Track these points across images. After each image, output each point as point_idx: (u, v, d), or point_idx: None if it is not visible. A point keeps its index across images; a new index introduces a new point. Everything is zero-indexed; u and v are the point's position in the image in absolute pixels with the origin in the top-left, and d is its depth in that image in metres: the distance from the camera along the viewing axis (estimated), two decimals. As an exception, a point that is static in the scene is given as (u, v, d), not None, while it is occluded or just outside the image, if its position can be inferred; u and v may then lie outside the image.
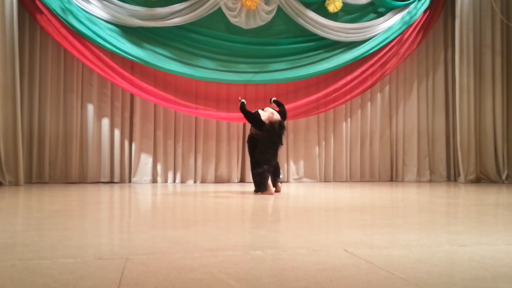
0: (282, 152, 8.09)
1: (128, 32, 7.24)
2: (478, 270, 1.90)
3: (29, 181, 6.97)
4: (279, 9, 7.76)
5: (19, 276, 1.77)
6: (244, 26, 7.66)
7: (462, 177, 8.17)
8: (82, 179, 7.27)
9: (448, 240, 2.58)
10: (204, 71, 7.55)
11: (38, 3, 6.77)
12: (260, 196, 5.28)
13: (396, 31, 8.21)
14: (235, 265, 1.95)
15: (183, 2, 7.35)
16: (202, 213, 4.02)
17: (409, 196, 5.75)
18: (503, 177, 8.23)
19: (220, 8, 7.47)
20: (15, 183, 6.53)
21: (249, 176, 7.85)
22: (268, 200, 4.89)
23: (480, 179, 8.31)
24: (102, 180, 7.33)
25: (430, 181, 8.66)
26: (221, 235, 2.68)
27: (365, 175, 8.58)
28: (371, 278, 1.77)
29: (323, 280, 1.74)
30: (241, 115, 6.40)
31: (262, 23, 7.72)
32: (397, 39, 8.26)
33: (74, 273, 1.81)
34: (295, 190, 6.46)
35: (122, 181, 7.46)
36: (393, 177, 8.73)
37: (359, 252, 2.22)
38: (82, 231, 2.81)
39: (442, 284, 1.69)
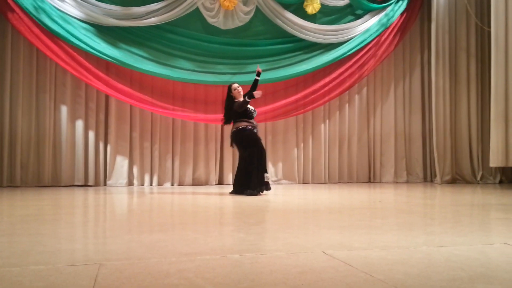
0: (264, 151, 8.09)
1: (103, 31, 7.12)
2: (455, 271, 1.90)
3: (0, 185, 6.77)
4: (258, 10, 7.75)
5: (-15, 285, 1.68)
6: (222, 27, 7.63)
7: (438, 178, 8.29)
8: (56, 183, 7.10)
9: (426, 241, 2.58)
10: (181, 72, 7.47)
11: (9, 1, 6.60)
12: (238, 198, 5.24)
13: (373, 33, 8.29)
14: (212, 270, 1.90)
15: (160, 2, 7.28)
16: (179, 217, 3.95)
17: (386, 197, 5.79)
18: (478, 177, 8.39)
19: (197, 8, 7.42)
20: (-14, 187, 6.34)
21: (227, 178, 7.82)
22: (247, 202, 4.85)
23: (456, 180, 8.45)
24: (76, 183, 7.18)
25: (407, 182, 8.76)
26: (199, 238, 2.63)
27: (344, 177, 8.62)
28: (350, 280, 1.75)
29: (302, 283, 1.71)
30: (218, 117, 6.36)
31: (240, 24, 7.70)
32: (375, 41, 8.34)
33: (46, 280, 1.73)
34: (274, 192, 6.43)
35: (97, 184, 7.32)
36: (371, 178, 8.81)
37: (337, 254, 2.20)
38: (55, 236, 2.73)
39: (420, 285, 1.68)
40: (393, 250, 2.31)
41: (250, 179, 5.61)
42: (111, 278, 1.78)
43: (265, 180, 5.70)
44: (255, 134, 5.81)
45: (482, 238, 2.72)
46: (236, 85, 5.99)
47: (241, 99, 5.86)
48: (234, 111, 5.81)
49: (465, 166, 8.45)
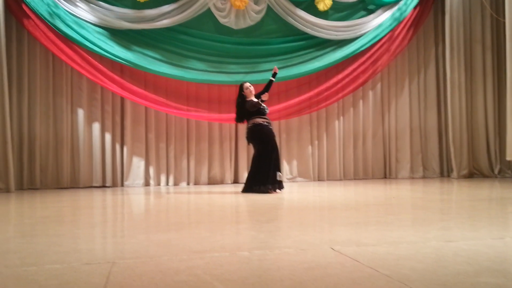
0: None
1: (117, 34, 7.22)
2: (461, 265, 1.91)
3: (20, 187, 6.93)
4: (269, 8, 7.76)
5: (3, 283, 1.76)
6: (234, 27, 7.66)
7: (455, 172, 8.20)
8: (74, 184, 7.24)
9: (436, 236, 2.59)
10: (195, 73, 7.54)
11: (25, 7, 6.73)
12: (252, 197, 5.28)
13: (386, 28, 8.23)
14: (220, 267, 1.95)
15: (172, 4, 7.34)
16: (193, 215, 4.02)
17: (401, 193, 5.77)
18: (496, 171, 8.27)
19: (209, 9, 7.47)
20: (6, 190, 6.50)
21: (242, 177, 7.86)
22: (261, 200, 4.89)
23: (473, 174, 8.35)
24: (94, 184, 7.31)
25: (424, 177, 8.69)
26: (210, 237, 2.68)
27: (359, 173, 8.59)
28: (356, 275, 1.78)
29: (308, 279, 1.75)
30: (232, 116, 6.41)
31: (252, 23, 7.72)
32: (388, 36, 8.28)
33: (60, 279, 1.80)
34: (289, 189, 6.46)
35: (114, 185, 7.44)
36: (386, 174, 8.76)
37: (345, 250, 2.23)
38: (71, 237, 2.80)
39: (425, 280, 1.70)
40: (402, 246, 2.33)
41: (262, 176, 5.64)
42: (123, 275, 1.84)
43: (278, 179, 5.73)
44: (271, 131, 5.86)
45: (493, 232, 2.72)
46: (248, 84, 6.04)
47: (253, 98, 5.91)
48: (246, 110, 5.86)
49: (483, 160, 8.35)
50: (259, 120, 5.79)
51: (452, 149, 8.26)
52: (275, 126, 8.03)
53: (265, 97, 5.88)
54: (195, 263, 2.00)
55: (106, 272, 1.88)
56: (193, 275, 1.81)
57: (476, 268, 1.86)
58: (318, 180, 8.37)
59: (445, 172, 8.85)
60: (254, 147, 5.94)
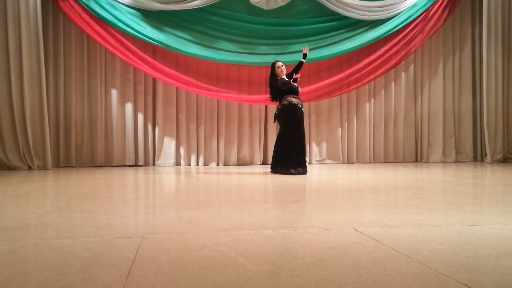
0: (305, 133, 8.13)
1: (149, 16, 7.33)
2: (484, 248, 1.91)
3: (57, 165, 7.22)
4: (300, -12, 7.69)
5: (41, 254, 1.87)
6: (265, 7, 7.64)
7: (488, 157, 8.04)
8: (108, 163, 7.48)
9: (461, 219, 2.58)
10: (225, 54, 7.59)
11: (60, -11, 6.90)
12: (281, 178, 5.34)
13: (421, 8, 8.04)
14: (245, 244, 2.01)
15: (203, -15, 7.36)
16: (221, 195, 4.10)
17: (432, 177, 5.70)
18: (531, 156, 8.06)
19: (240, -11, 7.46)
20: (44, 167, 6.78)
21: (271, 158, 7.91)
22: (288, 181, 4.94)
23: (508, 159, 8.16)
24: (127, 163, 7.53)
25: (456, 161, 8.54)
26: (237, 215, 2.75)
27: (389, 156, 8.52)
28: (376, 255, 1.81)
29: (328, 257, 1.79)
30: (262, 97, 6.43)
31: (283, 4, 7.69)
32: (422, 16, 8.10)
33: (92, 251, 1.90)
34: (317, 171, 6.48)
35: (146, 164, 7.64)
36: (417, 157, 8.65)
37: (368, 231, 2.25)
38: (104, 212, 2.93)
39: (445, 262, 1.72)
40: (425, 228, 2.34)
41: (285, 157, 5.69)
42: (152, 249, 1.93)
43: (302, 164, 5.76)
44: (302, 113, 5.86)
45: (521, 217, 2.68)
46: (280, 63, 6.05)
47: (284, 77, 5.92)
48: (278, 89, 5.87)
49: (518, 145, 8.13)
50: (294, 100, 5.79)
51: (486, 133, 8.08)
52: (305, 108, 8.03)
53: (296, 75, 5.90)
54: (220, 240, 2.08)
55: (136, 245, 1.97)
56: (218, 251, 1.88)
57: (498, 251, 1.86)
58: (348, 162, 8.36)
59: (478, 157, 8.67)
60: (281, 126, 5.96)
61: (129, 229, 2.41)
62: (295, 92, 5.86)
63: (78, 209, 3.08)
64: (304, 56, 6.12)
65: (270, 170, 6.01)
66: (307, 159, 7.35)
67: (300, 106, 5.81)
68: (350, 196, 3.96)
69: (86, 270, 1.63)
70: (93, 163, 7.44)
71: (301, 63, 6.10)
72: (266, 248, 1.96)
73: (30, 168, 6.70)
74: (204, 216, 2.73)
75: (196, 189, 4.53)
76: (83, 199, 3.60)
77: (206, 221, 2.58)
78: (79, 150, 7.40)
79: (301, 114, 5.83)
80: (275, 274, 1.57)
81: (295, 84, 5.90)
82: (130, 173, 6.35)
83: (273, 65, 6.08)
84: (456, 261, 1.73)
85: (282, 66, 6.03)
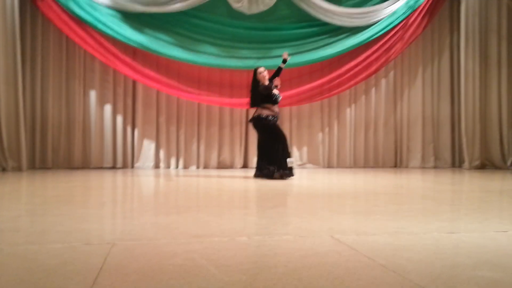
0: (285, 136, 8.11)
1: (130, 17, 7.22)
2: (460, 257, 1.90)
3: (32, 166, 7.05)
4: (282, -6, 7.67)
5: (4, 261, 1.80)
6: (247, 11, 7.59)
7: (466, 163, 8.13)
8: (85, 165, 7.33)
9: (438, 227, 2.57)
10: (207, 57, 7.52)
11: (39, -12, 6.75)
12: (261, 182, 5.29)
13: (400, 15, 8.09)
14: (218, 252, 1.96)
15: (185, -13, 7.29)
16: (198, 199, 4.04)
17: (411, 183, 5.73)
18: (508, 163, 8.17)
19: (222, -7, 7.41)
20: (18, 169, 6.61)
21: (252, 161, 7.87)
22: (268, 186, 4.90)
23: (485, 165, 8.25)
24: (105, 165, 7.39)
25: (435, 167, 8.61)
26: (212, 221, 2.70)
27: (369, 161, 8.55)
28: (351, 264, 1.78)
29: (303, 266, 1.75)
30: (244, 101, 6.39)
31: (265, 8, 7.64)
32: (402, 23, 8.15)
33: (59, 258, 1.83)
34: (297, 176, 6.45)
35: (125, 166, 7.52)
36: (397, 163, 8.70)
37: (345, 238, 2.22)
38: (75, 217, 2.84)
39: (421, 271, 1.69)
40: (402, 236, 2.32)
41: (267, 161, 5.66)
42: (121, 257, 1.86)
43: (288, 165, 5.71)
44: (274, 123, 5.80)
45: (496, 225, 2.69)
46: (261, 69, 5.99)
47: (266, 83, 5.88)
48: (260, 94, 5.83)
49: (495, 152, 8.23)
50: (265, 112, 5.75)
51: (464, 140, 8.17)
52: (286, 112, 8.04)
53: (276, 81, 5.84)
54: (193, 247, 2.02)
55: (105, 253, 1.91)
56: (189, 259, 1.83)
57: (474, 261, 1.85)
58: (328, 167, 8.36)
59: (456, 163, 8.76)
60: (258, 135, 5.97)
61: (100, 235, 2.34)
62: (274, 101, 5.82)
63: (50, 213, 3.00)
64: (284, 61, 6.08)
65: (253, 175, 5.94)
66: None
67: (271, 117, 5.75)
68: (329, 201, 3.94)
69: (49, 279, 1.56)
70: (70, 165, 7.28)
71: (280, 68, 6.05)
72: (239, 256, 1.91)
73: (4, 169, 6.53)
74: (179, 222, 2.67)
75: (173, 193, 4.46)
76: (57, 203, 3.51)
77: (180, 227, 2.52)
78: (55, 151, 7.24)
79: (273, 124, 5.79)
80: (247, 285, 1.53)
81: (277, 92, 5.85)
82: (107, 175, 6.24)
83: (255, 71, 6.02)
84: (432, 271, 1.71)
85: (264, 71, 5.96)
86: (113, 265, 1.74)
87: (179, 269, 1.70)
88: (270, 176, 5.58)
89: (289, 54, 6.35)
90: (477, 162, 8.14)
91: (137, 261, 1.80)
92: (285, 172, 5.68)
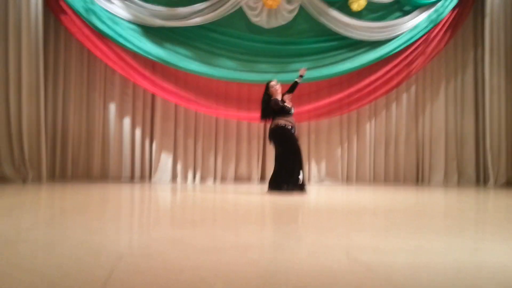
0: (303, 152, 8.01)
1: (150, 32, 7.29)
2: (483, 280, 1.78)
3: (52, 178, 7.10)
4: (301, 8, 7.64)
5: (10, 273, 1.76)
6: (265, 26, 7.59)
7: (492, 181, 7.89)
8: (104, 177, 7.36)
9: (460, 247, 2.45)
10: (225, 71, 7.53)
11: (62, 3, 6.87)
12: (277, 197, 5.20)
13: (422, 29, 7.97)
14: (227, 267, 1.89)
15: (204, 2, 7.34)
16: (212, 213, 3.98)
17: (432, 200, 5.57)
18: (536, 181, 7.91)
19: (241, 8, 7.43)
20: (38, 180, 6.66)
21: (269, 175, 7.75)
22: (284, 201, 4.81)
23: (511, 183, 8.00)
24: (123, 178, 7.41)
25: (458, 184, 8.38)
26: (224, 236, 2.64)
27: (390, 177, 8.37)
28: (366, 286, 1.69)
29: (314, 285, 1.67)
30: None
31: (284, 23, 7.62)
32: (424, 38, 8.02)
33: (63, 271, 1.79)
34: (315, 191, 6.35)
35: (142, 179, 7.53)
36: (419, 179, 8.49)
37: (361, 257, 2.13)
38: (88, 229, 2.81)
39: (440, 294, 1.59)
40: (422, 255, 2.21)
41: (284, 177, 5.54)
42: (127, 271, 1.81)
43: (299, 182, 5.57)
44: (292, 134, 5.72)
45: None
46: (273, 82, 5.89)
47: (279, 97, 5.79)
48: (271, 108, 5.75)
49: (522, 169, 7.98)
50: (282, 122, 5.64)
51: (489, 156, 7.94)
52: (304, 127, 7.96)
53: (287, 98, 5.75)
54: (202, 263, 1.96)
55: (111, 266, 1.86)
56: (197, 275, 1.77)
57: (497, 284, 1.73)
58: (347, 182, 8.21)
59: (481, 180, 8.50)
60: (276, 148, 5.84)
61: (110, 248, 2.29)
62: (287, 113, 5.73)
63: (64, 224, 2.98)
64: (301, 76, 6.00)
65: (268, 189, 5.83)
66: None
67: (288, 126, 5.66)
68: (347, 218, 3.83)
69: (51, 293, 1.51)
70: (89, 177, 7.32)
71: (295, 83, 5.97)
72: (249, 273, 1.84)
73: (24, 180, 6.59)
74: (189, 236, 2.61)
75: (188, 207, 4.42)
76: (72, 214, 3.50)
77: (191, 241, 2.46)
78: (75, 163, 7.30)
79: (291, 135, 5.69)
80: (254, 303, 1.45)
81: (288, 104, 5.77)
82: (124, 188, 6.24)
83: (267, 84, 5.93)
84: (452, 293, 1.61)
85: (276, 85, 5.86)
86: (118, 279, 1.69)
87: (186, 285, 1.63)
88: (285, 190, 5.45)
89: (308, 69, 6.28)
90: (503, 180, 7.90)
91: (143, 275, 1.75)
92: (297, 188, 5.52)
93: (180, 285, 1.63)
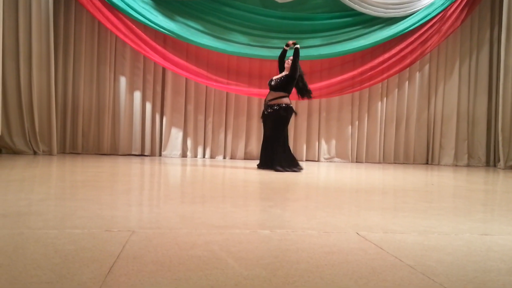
0: (313, 130, 7.99)
1: (161, 5, 7.23)
2: (494, 261, 1.78)
3: (63, 151, 7.17)
4: (316, -18, 7.51)
5: (22, 245, 1.78)
6: (279, 0, 7.49)
7: (502, 162, 7.84)
8: (114, 151, 7.42)
9: (470, 228, 2.44)
10: (237, 46, 7.47)
11: (73, -25, 6.82)
12: (285, 174, 5.22)
13: (438, 7, 7.83)
14: (238, 244, 1.90)
15: (217, -25, 7.24)
16: (222, 189, 4.00)
17: (442, 180, 5.54)
18: (547, 164, 7.83)
19: (254, -19, 7.32)
20: (49, 153, 6.73)
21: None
22: (293, 178, 4.82)
23: (522, 165, 7.94)
24: (133, 152, 7.46)
25: (468, 165, 8.34)
26: (235, 212, 2.64)
27: (399, 157, 8.35)
28: (377, 264, 1.69)
29: (326, 263, 1.67)
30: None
31: (298, -3, 7.52)
32: (440, 15, 7.88)
33: (77, 244, 1.80)
34: (325, 169, 6.34)
35: (152, 154, 7.57)
36: (428, 160, 8.47)
37: (371, 236, 2.13)
38: (99, 203, 2.83)
39: (451, 275, 1.59)
40: (432, 236, 2.20)
41: (287, 156, 5.62)
42: (139, 245, 1.82)
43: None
44: None
45: (535, 228, 2.53)
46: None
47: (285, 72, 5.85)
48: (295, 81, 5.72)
49: (533, 151, 7.90)
50: (289, 101, 5.73)
51: (500, 138, 7.87)
52: (315, 105, 7.91)
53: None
54: (213, 238, 1.97)
55: (124, 240, 1.87)
56: (208, 251, 1.78)
57: (510, 265, 1.73)
58: (357, 161, 8.21)
59: (491, 162, 8.47)
60: (277, 126, 5.64)
61: (120, 222, 2.31)
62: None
63: (75, 198, 3.00)
64: (287, 46, 5.87)
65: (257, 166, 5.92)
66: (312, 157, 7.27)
67: (293, 107, 5.87)
68: (357, 197, 3.83)
69: (65, 265, 1.52)
70: (99, 151, 7.38)
71: (284, 50, 5.92)
72: (260, 250, 1.85)
73: (35, 153, 6.66)
74: (200, 212, 2.62)
75: (198, 183, 4.43)
76: (82, 188, 3.53)
77: (202, 216, 2.47)
78: (85, 137, 7.35)
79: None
80: (266, 280, 1.46)
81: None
82: (134, 162, 6.27)
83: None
84: (463, 274, 1.60)
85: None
86: (130, 253, 1.70)
87: (198, 260, 1.64)
88: (292, 169, 5.52)
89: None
90: (513, 162, 7.84)
91: (155, 250, 1.76)
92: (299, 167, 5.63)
93: (192, 260, 1.64)
